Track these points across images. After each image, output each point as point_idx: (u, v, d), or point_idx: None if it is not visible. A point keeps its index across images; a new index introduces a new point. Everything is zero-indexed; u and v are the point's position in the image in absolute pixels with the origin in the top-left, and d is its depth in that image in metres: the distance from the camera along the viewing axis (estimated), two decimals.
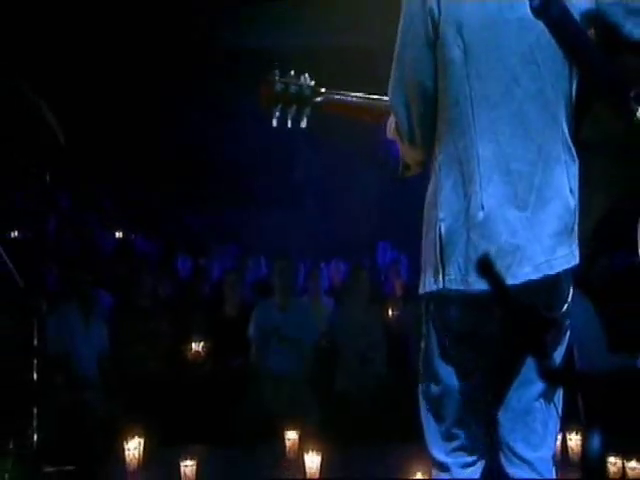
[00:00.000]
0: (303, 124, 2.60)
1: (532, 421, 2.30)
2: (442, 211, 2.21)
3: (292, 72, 2.61)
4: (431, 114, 2.27)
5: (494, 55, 2.18)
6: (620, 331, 5.26)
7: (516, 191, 2.17)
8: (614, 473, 4.67)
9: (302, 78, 2.62)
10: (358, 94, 2.61)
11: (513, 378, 2.28)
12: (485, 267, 1.98)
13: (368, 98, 2.59)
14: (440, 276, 2.20)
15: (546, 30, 2.09)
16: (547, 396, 2.27)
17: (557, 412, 2.32)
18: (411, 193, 2.54)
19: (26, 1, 8.83)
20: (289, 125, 2.60)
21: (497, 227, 2.16)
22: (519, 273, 2.13)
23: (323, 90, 2.61)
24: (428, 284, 2.24)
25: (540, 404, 2.29)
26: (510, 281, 2.09)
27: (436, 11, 2.18)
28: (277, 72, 2.59)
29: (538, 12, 2.06)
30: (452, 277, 2.19)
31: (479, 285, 2.07)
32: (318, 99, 2.61)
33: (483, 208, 2.16)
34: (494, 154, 2.17)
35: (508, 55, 2.18)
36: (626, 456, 4.64)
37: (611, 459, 4.66)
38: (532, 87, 2.19)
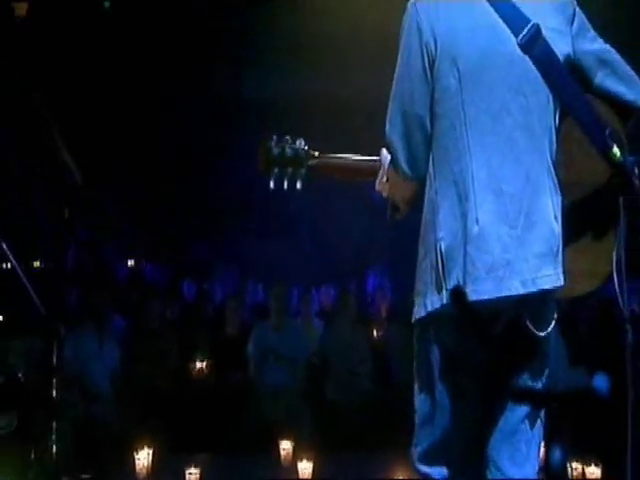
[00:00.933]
0: (298, 185, 2.55)
1: (517, 442, 2.27)
2: (441, 230, 2.17)
3: (288, 137, 2.57)
4: (426, 143, 2.24)
5: (486, 85, 2.17)
6: (580, 349, 5.32)
7: (507, 210, 2.14)
8: (576, 477, 4.72)
9: (297, 142, 2.57)
10: (349, 155, 2.56)
11: (501, 401, 2.26)
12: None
13: (358, 160, 2.54)
14: (443, 291, 2.15)
15: (533, 66, 2.15)
16: (531, 418, 2.25)
17: (540, 432, 2.29)
18: (395, 226, 2.50)
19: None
20: (285, 187, 2.55)
21: (491, 241, 2.13)
22: (510, 286, 2.10)
23: (316, 154, 2.56)
24: (430, 304, 2.17)
25: (525, 426, 2.26)
26: (503, 292, 2.09)
27: (432, 45, 2.17)
28: (274, 137, 2.55)
29: (525, 49, 2.15)
30: (448, 292, 2.14)
31: (477, 295, 2.08)
32: (312, 162, 2.56)
33: (478, 222, 2.12)
34: (487, 175, 2.14)
35: (498, 86, 2.17)
36: (586, 462, 4.68)
37: (574, 464, 4.71)
38: (520, 117, 2.17)
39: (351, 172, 2.55)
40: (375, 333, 6.64)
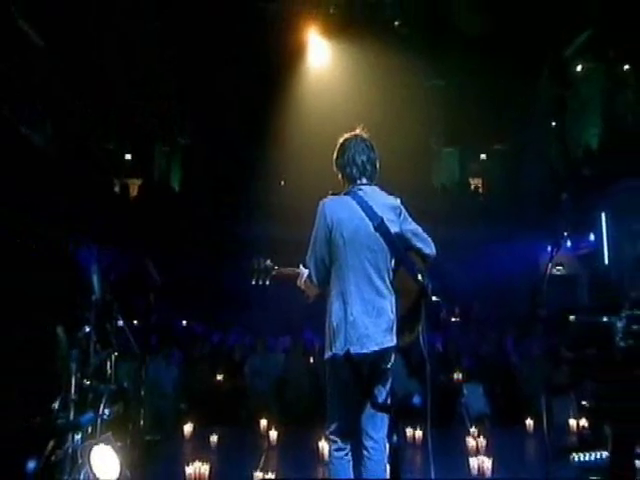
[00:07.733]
0: (267, 282, 2.58)
1: (376, 419, 2.30)
2: (333, 316, 2.21)
3: (262, 258, 2.59)
4: (325, 270, 2.26)
5: (357, 246, 2.22)
6: (412, 369, 5.44)
7: (367, 309, 2.19)
8: (409, 438, 4.67)
9: (267, 261, 2.58)
10: (291, 268, 2.56)
11: (368, 400, 2.30)
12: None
13: (294, 271, 2.53)
14: (333, 348, 2.19)
15: (380, 237, 2.26)
16: (383, 407, 2.32)
17: (388, 414, 2.31)
18: (318, 306, 2.49)
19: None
20: (260, 284, 2.59)
21: (359, 325, 2.16)
22: (369, 347, 2.18)
23: (276, 267, 2.59)
24: (328, 352, 2.23)
25: (380, 413, 2.31)
26: (365, 351, 2.17)
27: (330, 224, 2.24)
28: (256, 258, 2.58)
29: (376, 229, 2.27)
30: (338, 348, 2.19)
31: (352, 351, 2.18)
32: (274, 272, 2.59)
33: (352, 315, 2.18)
34: (356, 290, 2.20)
35: (362, 246, 2.23)
36: (415, 428, 4.68)
37: (409, 429, 4.70)
38: (373, 262, 2.22)
39: (290, 277, 2.53)
40: (312, 361, 6.47)
